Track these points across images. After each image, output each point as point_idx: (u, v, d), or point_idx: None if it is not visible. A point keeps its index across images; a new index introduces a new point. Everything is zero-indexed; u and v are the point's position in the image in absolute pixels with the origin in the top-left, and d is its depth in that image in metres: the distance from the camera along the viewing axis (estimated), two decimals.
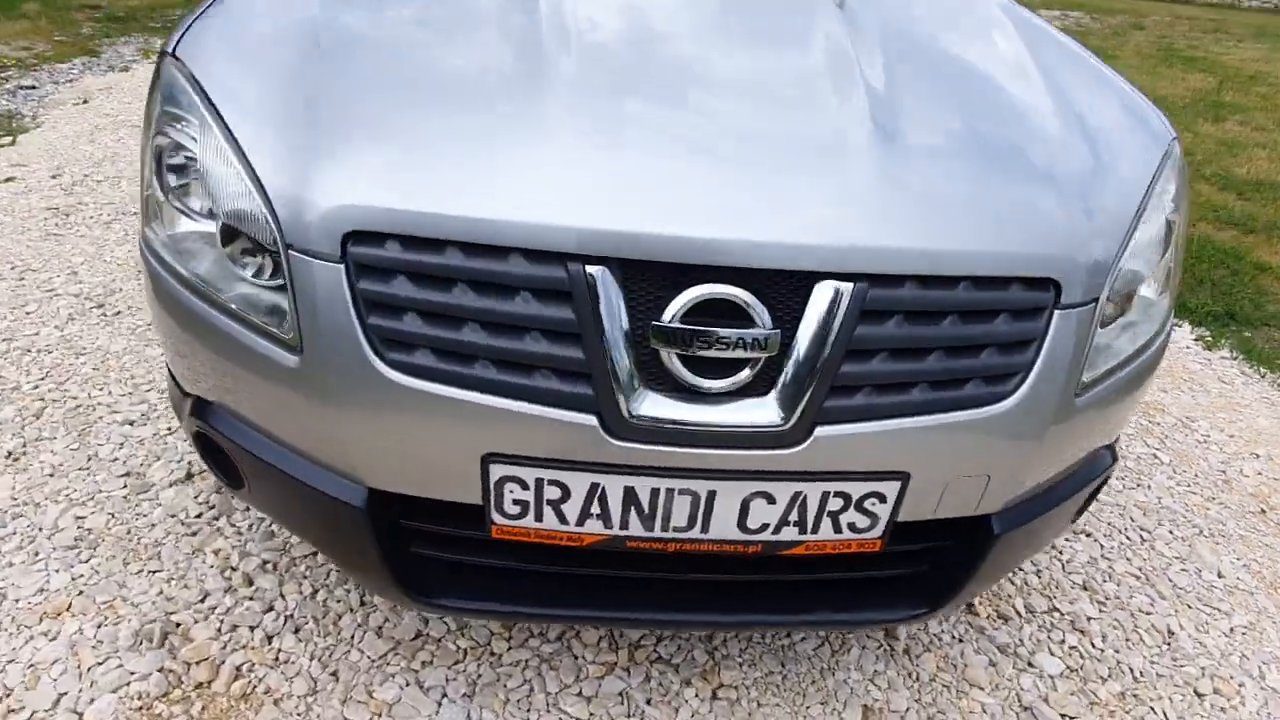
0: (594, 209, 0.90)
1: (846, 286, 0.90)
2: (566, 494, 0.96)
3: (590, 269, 0.88)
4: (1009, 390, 0.98)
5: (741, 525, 1.00)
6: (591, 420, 0.91)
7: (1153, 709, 1.45)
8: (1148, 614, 1.65)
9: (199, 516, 1.64)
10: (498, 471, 0.95)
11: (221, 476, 1.16)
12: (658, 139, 0.98)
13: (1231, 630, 1.64)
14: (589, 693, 1.37)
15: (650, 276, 0.90)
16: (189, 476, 1.73)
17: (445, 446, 0.95)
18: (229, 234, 1.00)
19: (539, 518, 0.99)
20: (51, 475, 1.71)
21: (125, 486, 1.69)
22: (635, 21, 1.21)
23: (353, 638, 1.42)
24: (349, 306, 0.91)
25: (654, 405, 0.92)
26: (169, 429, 1.88)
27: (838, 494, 0.98)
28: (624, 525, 0.99)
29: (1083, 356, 1.01)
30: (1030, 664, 1.51)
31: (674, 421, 0.92)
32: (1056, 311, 0.99)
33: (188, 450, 1.81)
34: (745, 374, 0.92)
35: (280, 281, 0.96)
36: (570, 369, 0.91)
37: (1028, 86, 1.22)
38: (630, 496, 0.96)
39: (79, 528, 1.58)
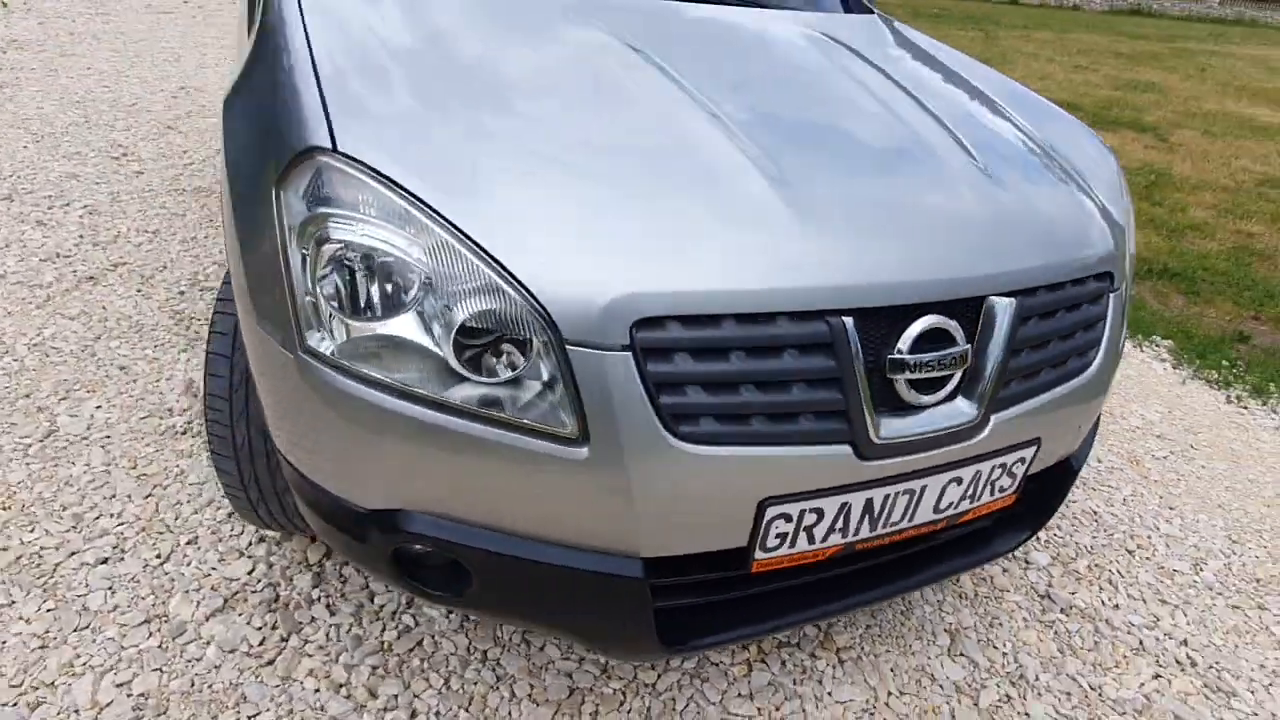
0: (836, 270, 1.03)
1: (1008, 302, 1.13)
2: (820, 518, 1.09)
3: (843, 319, 1.01)
4: (1090, 361, 1.29)
5: (937, 508, 1.20)
6: (847, 450, 1.05)
7: (1111, 569, 1.93)
8: (1075, 503, 2.15)
9: (263, 643, 1.45)
10: (771, 512, 1.05)
11: (426, 588, 1.09)
12: (851, 208, 1.12)
13: (1125, 500, 2.20)
14: (745, 691, 1.50)
15: (879, 319, 1.05)
16: (226, 603, 1.51)
17: (726, 501, 1.02)
18: (465, 333, 0.96)
19: (794, 544, 1.10)
20: (44, 647, 1.39)
21: (153, 635, 1.44)
22: (759, 95, 1.34)
23: (510, 713, 1.39)
24: (641, 391, 0.94)
25: (890, 427, 1.08)
26: (157, 556, 1.60)
27: (998, 465, 1.22)
28: (857, 532, 1.14)
29: (1124, 326, 1.35)
30: (1028, 562, 1.92)
31: (905, 436, 1.08)
32: (1111, 295, 1.31)
33: (201, 573, 1.57)
34: (952, 384, 1.11)
35: (535, 374, 0.95)
36: (829, 409, 1.03)
37: (1020, 122, 1.54)
38: (868, 507, 1.12)
39: (129, 696, 1.33)
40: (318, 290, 0.99)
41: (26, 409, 1.97)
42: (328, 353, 1.00)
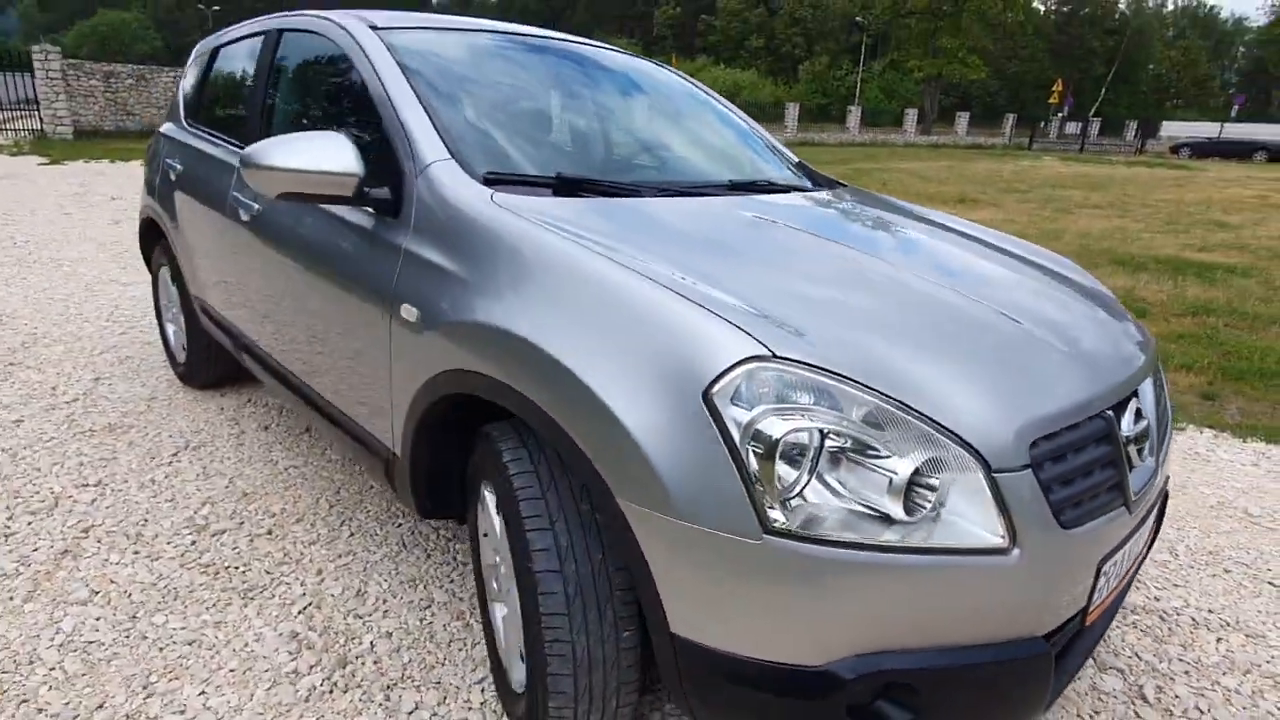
0: (1095, 381, 1.39)
1: (1149, 383, 1.58)
2: (1116, 567, 1.40)
3: (1110, 412, 1.38)
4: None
5: (1138, 544, 1.57)
6: (1124, 509, 1.39)
7: None
8: None
9: None
10: (1104, 568, 1.34)
11: None
12: (1072, 337, 1.48)
13: None
14: None
15: (1110, 411, 1.43)
16: None
17: (1085, 568, 1.29)
18: (913, 487, 1.14)
19: (1105, 592, 1.39)
20: None
21: None
22: (933, 265, 1.70)
23: None
24: (1041, 495, 1.20)
25: (1134, 484, 1.44)
26: None
27: (1158, 494, 1.63)
28: (1123, 576, 1.47)
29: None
30: None
31: (1138, 491, 1.45)
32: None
33: None
34: (1149, 445, 1.52)
35: (966, 503, 1.17)
36: (1115, 480, 1.37)
37: (1063, 267, 2.06)
38: (1127, 553, 1.45)
39: None
40: (777, 476, 1.13)
41: None
42: (794, 528, 1.13)
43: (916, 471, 1.15)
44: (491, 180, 1.71)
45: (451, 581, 2.16)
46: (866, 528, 1.13)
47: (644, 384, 1.21)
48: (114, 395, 3.30)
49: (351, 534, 2.36)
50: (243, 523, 2.39)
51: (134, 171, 11.81)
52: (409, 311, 1.63)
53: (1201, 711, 1.82)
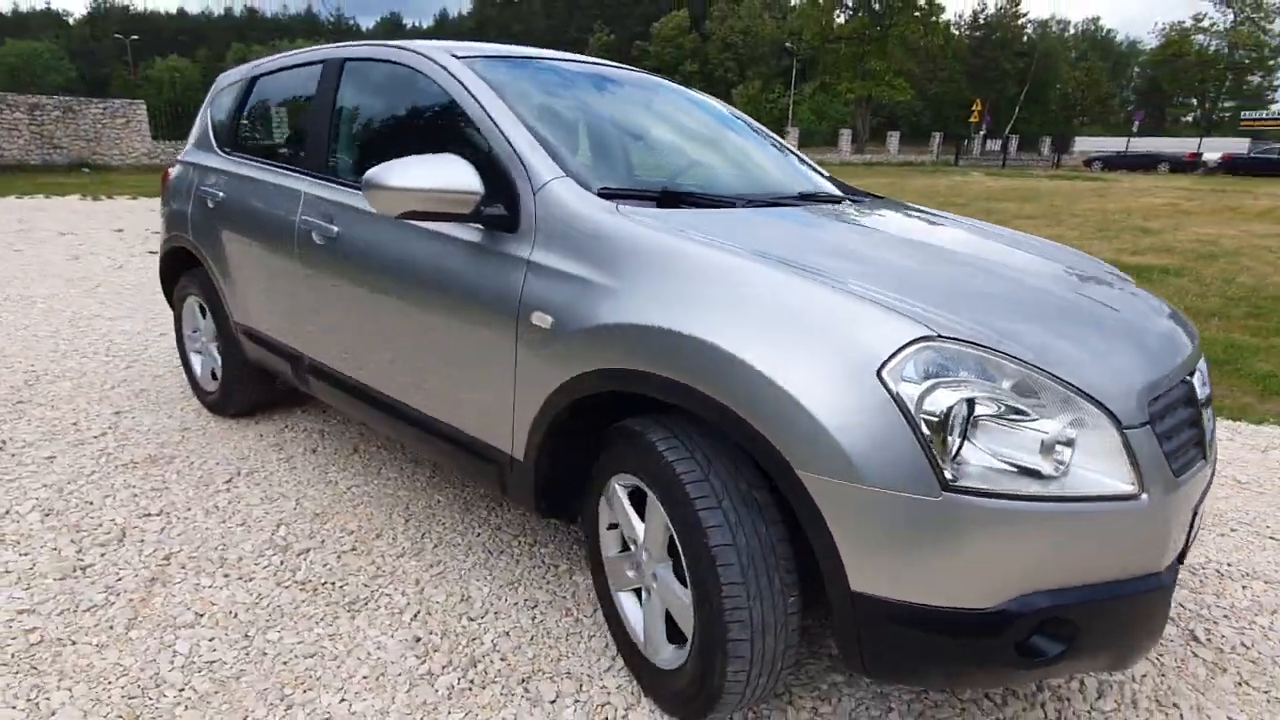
0: (1177, 354, 1.60)
1: (1203, 363, 1.81)
2: (1200, 510, 1.60)
3: (1190, 378, 1.59)
4: None
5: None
6: (1204, 461, 1.59)
7: None
8: None
9: None
10: (1199, 511, 1.54)
11: (1043, 661, 1.34)
12: (1144, 318, 1.71)
13: None
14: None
15: (1189, 378, 1.63)
16: None
17: (1187, 511, 1.49)
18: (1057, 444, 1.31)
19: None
20: None
21: None
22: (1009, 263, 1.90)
23: None
24: (1158, 447, 1.39)
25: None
26: None
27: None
28: (1199, 521, 1.67)
29: None
30: None
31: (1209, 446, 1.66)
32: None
33: None
34: (1210, 410, 1.73)
35: (1104, 457, 1.34)
36: (1196, 439, 1.57)
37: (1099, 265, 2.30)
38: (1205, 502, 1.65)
39: None
40: (948, 440, 1.28)
41: None
42: (967, 485, 1.28)
43: (1062, 430, 1.32)
44: (605, 195, 1.84)
45: (548, 582, 2.24)
46: (1023, 482, 1.29)
47: (819, 369, 1.35)
48: (142, 428, 3.24)
49: (435, 545, 2.41)
50: (324, 541, 2.42)
51: (74, 206, 11.38)
52: (541, 319, 1.74)
53: (1246, 647, 2.05)
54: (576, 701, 1.77)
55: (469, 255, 1.94)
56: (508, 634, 2.00)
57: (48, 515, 2.52)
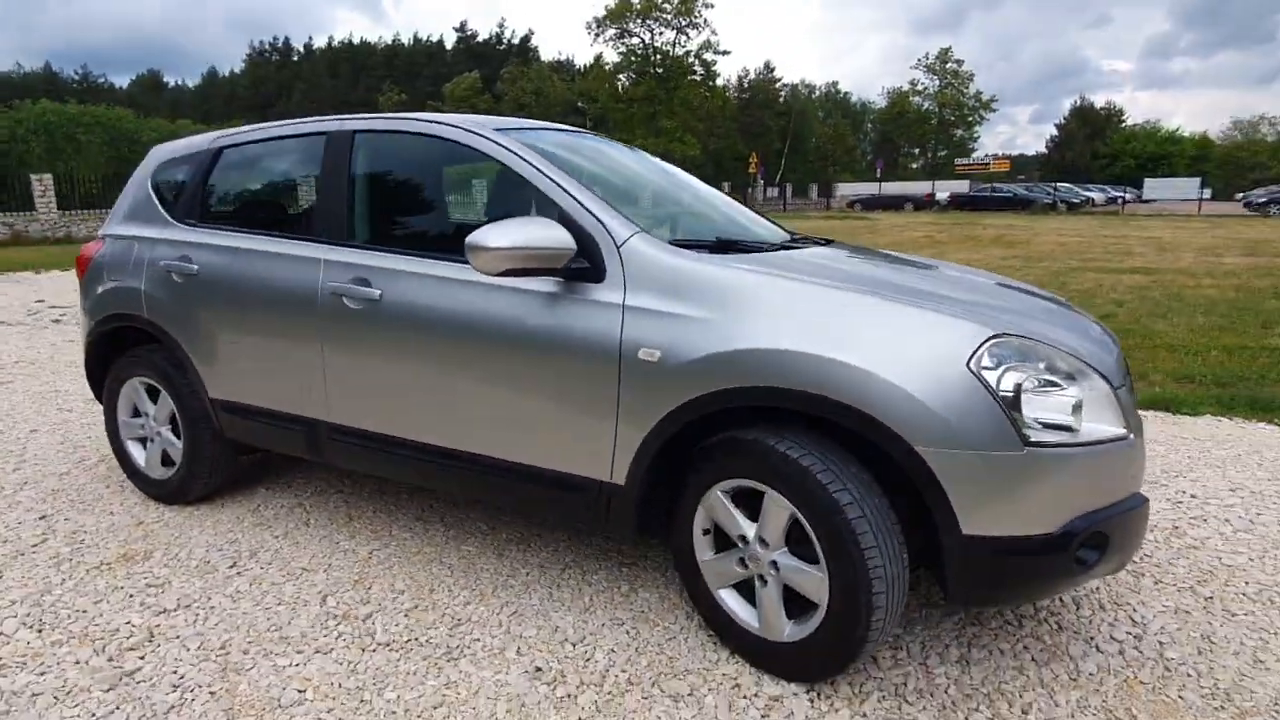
0: (1117, 346, 2.21)
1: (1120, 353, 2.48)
2: None
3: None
4: None
5: None
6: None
7: None
8: None
9: None
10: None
11: (1086, 565, 1.82)
12: (1078, 326, 2.31)
13: None
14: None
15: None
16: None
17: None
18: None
19: None
20: None
21: None
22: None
23: None
24: (1131, 404, 1.95)
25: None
26: None
27: None
28: None
29: None
30: None
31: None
32: None
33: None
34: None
35: (1100, 409, 1.87)
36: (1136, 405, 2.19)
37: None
38: None
39: None
40: (1020, 409, 1.74)
41: None
42: (1039, 440, 1.74)
43: (1082, 394, 1.84)
44: (675, 244, 2.15)
45: (620, 603, 2.42)
46: (1066, 435, 1.79)
47: (921, 366, 1.76)
48: (89, 529, 2.92)
49: (494, 590, 2.50)
50: (381, 604, 2.40)
51: None
52: (649, 354, 2.00)
53: (1149, 555, 2.74)
54: (710, 690, 2.00)
55: (550, 305, 2.14)
56: (614, 650, 2.17)
57: (41, 631, 2.26)
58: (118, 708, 1.93)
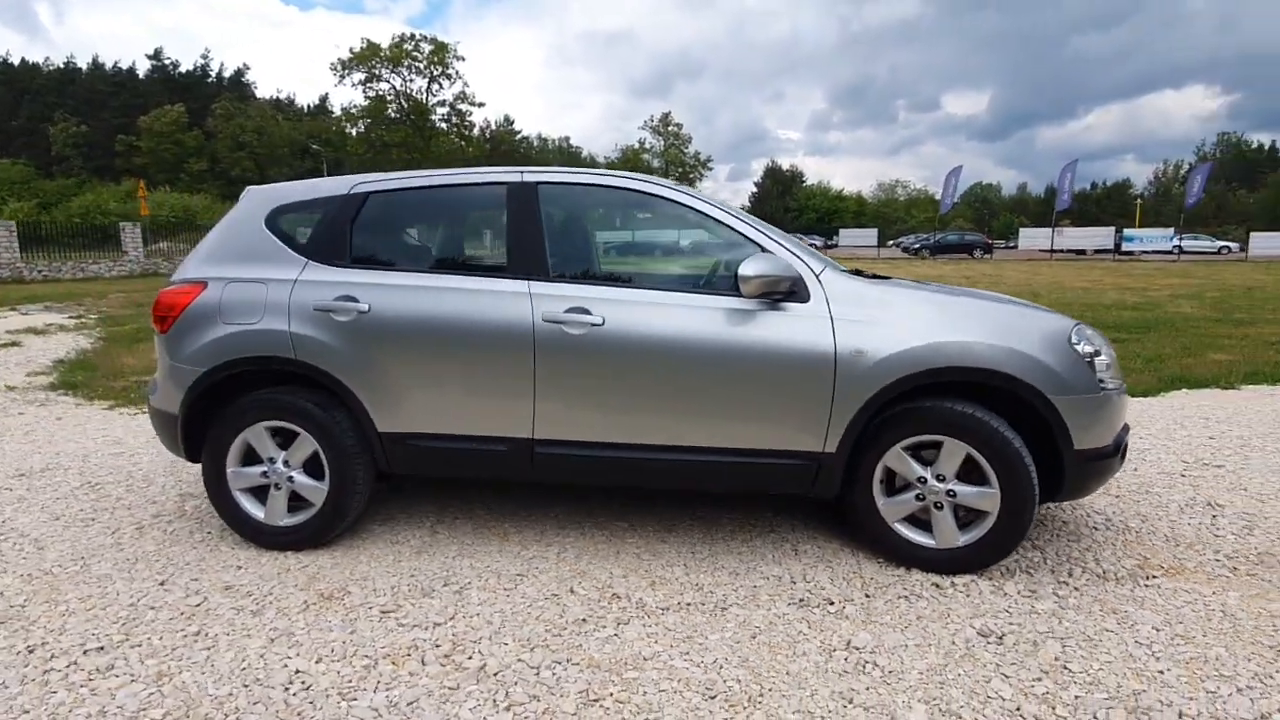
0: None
1: None
2: None
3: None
4: None
5: None
6: None
7: None
8: None
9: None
10: None
11: None
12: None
13: None
14: None
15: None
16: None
17: None
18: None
19: None
20: None
21: None
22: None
23: None
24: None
25: None
26: None
27: None
28: None
29: None
30: None
31: None
32: None
33: None
34: None
35: None
36: None
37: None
38: None
39: None
40: (1095, 369, 2.79)
41: None
42: (1105, 387, 2.81)
43: (1109, 359, 2.97)
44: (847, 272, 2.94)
45: (795, 555, 3.07)
46: (1113, 383, 2.89)
47: (1043, 345, 2.75)
48: (244, 585, 2.80)
49: (689, 564, 2.99)
50: (626, 588, 2.77)
51: None
52: (858, 352, 2.75)
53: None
54: (916, 587, 2.75)
55: (775, 320, 2.79)
56: (833, 582, 2.82)
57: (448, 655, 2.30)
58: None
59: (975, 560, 2.84)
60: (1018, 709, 2.07)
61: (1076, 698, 2.11)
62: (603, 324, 2.84)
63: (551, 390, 2.87)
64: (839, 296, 2.83)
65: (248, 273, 3.04)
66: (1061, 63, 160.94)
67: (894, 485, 2.91)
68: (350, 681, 2.19)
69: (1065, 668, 2.25)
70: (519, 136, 72.67)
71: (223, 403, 3.06)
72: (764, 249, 2.88)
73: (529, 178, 3.03)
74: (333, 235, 3.07)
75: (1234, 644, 2.38)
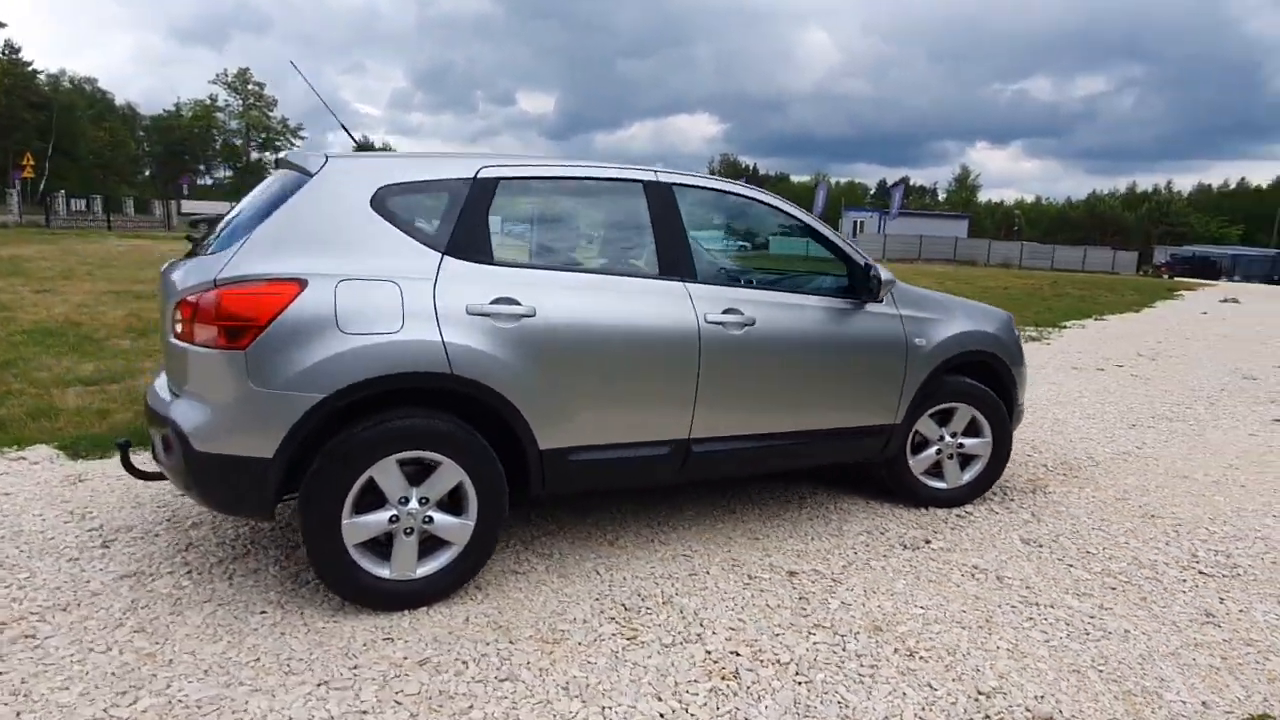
0: None
1: None
2: None
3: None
4: None
5: None
6: None
7: None
8: None
9: None
10: None
11: None
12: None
13: None
14: None
15: None
16: None
17: None
18: None
19: None
20: None
21: None
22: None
23: None
24: None
25: None
26: None
27: None
28: None
29: None
30: None
31: None
32: None
33: None
34: None
35: None
36: None
37: None
38: None
39: None
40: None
41: None
42: None
43: None
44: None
45: (837, 534, 3.67)
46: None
47: (1005, 330, 3.82)
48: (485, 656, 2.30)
49: (767, 547, 3.38)
50: (799, 588, 3.04)
51: None
52: (921, 342, 3.46)
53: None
54: (906, 532, 3.61)
55: (862, 318, 3.32)
56: (861, 533, 3.50)
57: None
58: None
59: (972, 494, 3.80)
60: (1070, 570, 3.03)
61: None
62: (754, 324, 3.02)
63: (711, 389, 2.95)
64: (902, 299, 3.49)
65: (363, 267, 2.39)
66: (613, 80, 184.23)
67: (915, 445, 3.70)
68: None
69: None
70: (35, 72, 55.56)
71: (332, 436, 2.37)
72: (857, 258, 3.37)
73: (663, 178, 2.99)
74: (470, 225, 2.58)
75: None
